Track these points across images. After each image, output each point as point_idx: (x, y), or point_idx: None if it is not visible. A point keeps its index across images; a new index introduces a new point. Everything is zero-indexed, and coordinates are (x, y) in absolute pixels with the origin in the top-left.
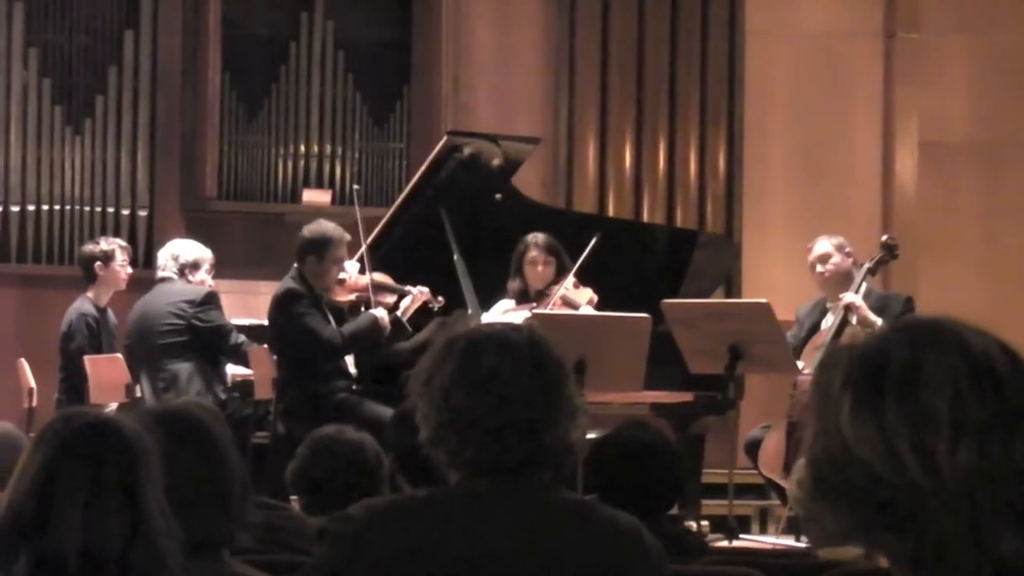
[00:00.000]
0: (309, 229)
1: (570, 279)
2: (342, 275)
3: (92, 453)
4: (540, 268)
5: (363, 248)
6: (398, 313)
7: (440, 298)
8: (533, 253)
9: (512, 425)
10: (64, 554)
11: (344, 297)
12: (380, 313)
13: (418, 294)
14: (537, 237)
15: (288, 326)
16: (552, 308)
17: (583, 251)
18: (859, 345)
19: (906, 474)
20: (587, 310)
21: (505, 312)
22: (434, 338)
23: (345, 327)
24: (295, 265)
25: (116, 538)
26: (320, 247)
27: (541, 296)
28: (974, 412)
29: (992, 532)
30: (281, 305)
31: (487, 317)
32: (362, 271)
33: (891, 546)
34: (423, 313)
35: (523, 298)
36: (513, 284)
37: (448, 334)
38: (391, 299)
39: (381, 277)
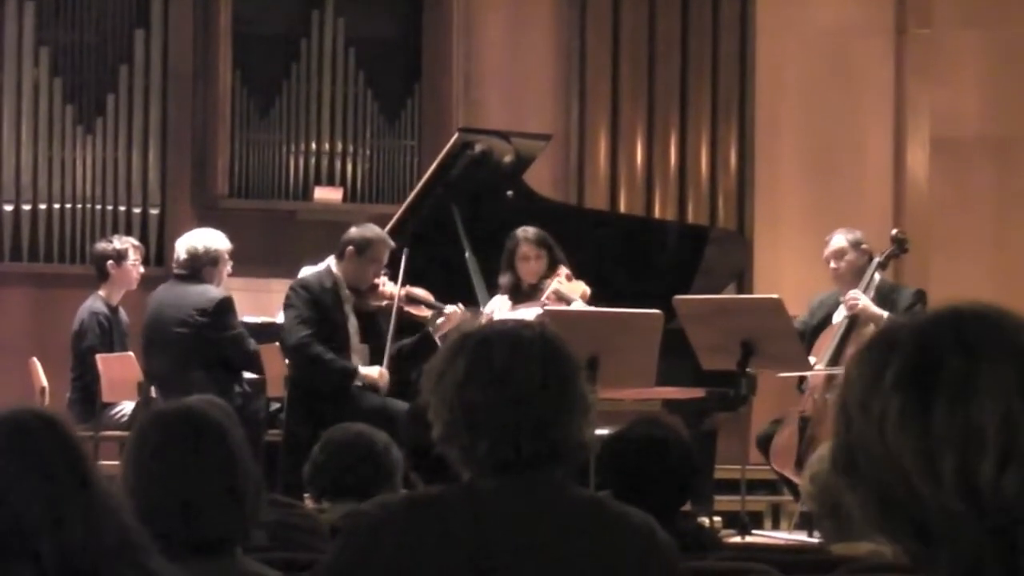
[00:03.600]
0: (356, 227)
1: (563, 272)
2: (376, 280)
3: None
4: (532, 262)
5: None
6: (430, 329)
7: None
8: (524, 248)
9: (524, 422)
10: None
11: (375, 303)
12: (366, 370)
13: (454, 313)
14: (527, 231)
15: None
16: (545, 302)
17: (595, 248)
18: (913, 337)
19: (943, 492)
20: (579, 304)
21: (514, 309)
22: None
23: (319, 352)
24: (330, 259)
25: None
26: (363, 242)
27: (535, 290)
28: (1023, 435)
29: None
30: (287, 290)
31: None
32: (393, 279)
33: (917, 553)
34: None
35: (515, 292)
36: (504, 279)
37: (460, 331)
38: (425, 313)
39: (418, 291)
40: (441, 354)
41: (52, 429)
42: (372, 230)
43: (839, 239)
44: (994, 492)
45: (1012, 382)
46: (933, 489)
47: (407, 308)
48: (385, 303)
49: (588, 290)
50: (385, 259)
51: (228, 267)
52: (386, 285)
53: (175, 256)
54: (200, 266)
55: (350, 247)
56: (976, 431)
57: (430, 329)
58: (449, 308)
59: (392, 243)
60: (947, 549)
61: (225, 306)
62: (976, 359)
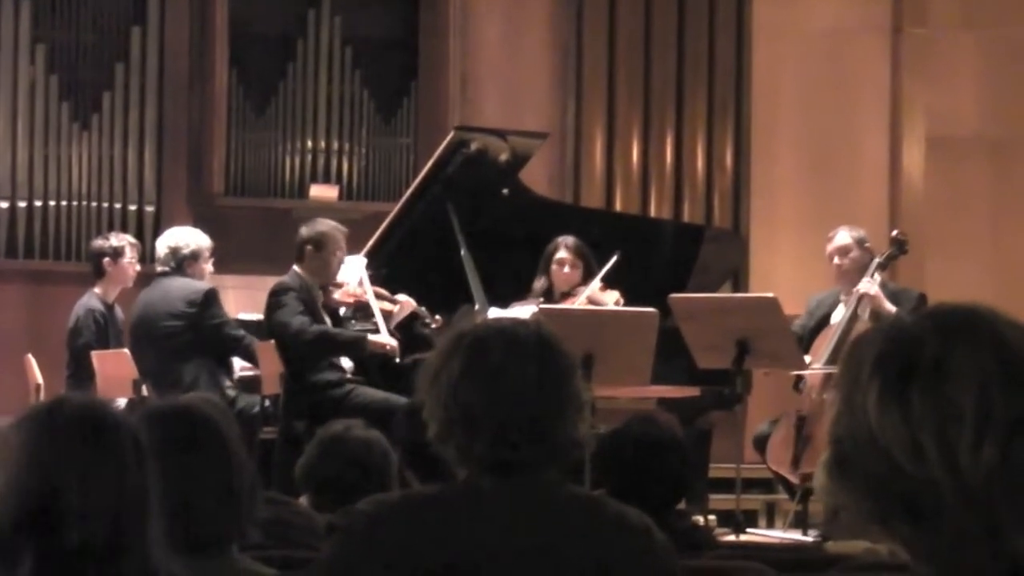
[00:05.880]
0: (305, 227)
1: (597, 282)
2: (339, 279)
3: (104, 440)
4: (567, 269)
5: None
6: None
7: (438, 317)
8: (562, 254)
9: (520, 420)
10: (87, 548)
11: (342, 299)
12: (375, 337)
13: (406, 303)
14: (567, 239)
15: (267, 317)
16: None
17: (591, 246)
18: (892, 329)
19: (927, 467)
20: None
21: (511, 307)
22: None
23: (324, 327)
24: (293, 266)
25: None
26: (317, 239)
27: (565, 297)
28: (1001, 410)
29: (1010, 531)
30: (268, 298)
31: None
32: (360, 280)
33: (907, 536)
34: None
35: (548, 298)
36: (539, 283)
37: (455, 330)
38: (387, 307)
39: (375, 288)
40: (436, 352)
41: (120, 427)
42: (324, 224)
43: (843, 236)
44: (974, 462)
45: (988, 361)
46: (917, 464)
47: (375, 303)
48: (352, 300)
49: (622, 300)
50: (344, 246)
51: (209, 264)
52: (351, 285)
53: (157, 255)
54: (182, 259)
55: (308, 246)
56: (953, 407)
57: (388, 325)
58: (401, 297)
59: (345, 229)
60: (933, 524)
61: (212, 296)
62: (953, 343)
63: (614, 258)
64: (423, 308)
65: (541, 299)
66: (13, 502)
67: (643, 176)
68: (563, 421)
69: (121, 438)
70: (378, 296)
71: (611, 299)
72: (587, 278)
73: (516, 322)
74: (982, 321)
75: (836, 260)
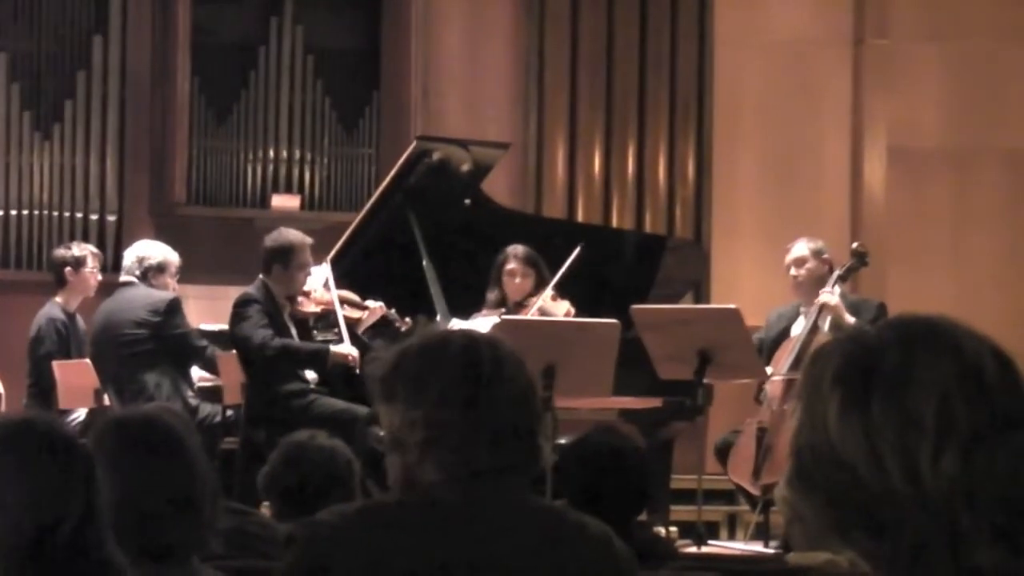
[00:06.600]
0: (271, 238)
1: (548, 291)
2: (306, 288)
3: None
4: (518, 280)
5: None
6: (357, 330)
7: (408, 319)
8: (511, 265)
9: (513, 426)
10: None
11: (309, 309)
12: (337, 348)
13: (377, 308)
14: (516, 249)
15: (231, 329)
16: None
17: (553, 256)
18: (852, 340)
19: (887, 478)
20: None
21: (473, 318)
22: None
23: (287, 341)
24: (260, 276)
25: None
26: (284, 255)
27: (519, 307)
28: (961, 421)
29: (970, 542)
30: (232, 309)
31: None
32: (326, 285)
33: (867, 548)
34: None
35: (501, 309)
36: (491, 295)
37: (423, 337)
38: (357, 314)
39: (345, 293)
40: (413, 360)
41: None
42: (290, 236)
43: (801, 247)
44: (934, 473)
45: (948, 370)
46: (878, 475)
47: (341, 310)
48: (321, 308)
49: (572, 310)
50: (310, 260)
51: (174, 281)
52: (317, 291)
53: (123, 265)
54: (147, 270)
55: (276, 265)
56: (913, 417)
57: (357, 330)
58: (371, 303)
59: (311, 240)
60: (894, 535)
61: (176, 305)
62: (913, 353)
63: (576, 251)
64: (393, 311)
65: (502, 310)
66: None
67: (605, 186)
68: (541, 430)
69: (60, 452)
70: (348, 302)
71: (561, 310)
72: (539, 286)
73: (495, 335)
74: (943, 331)
75: (792, 271)
